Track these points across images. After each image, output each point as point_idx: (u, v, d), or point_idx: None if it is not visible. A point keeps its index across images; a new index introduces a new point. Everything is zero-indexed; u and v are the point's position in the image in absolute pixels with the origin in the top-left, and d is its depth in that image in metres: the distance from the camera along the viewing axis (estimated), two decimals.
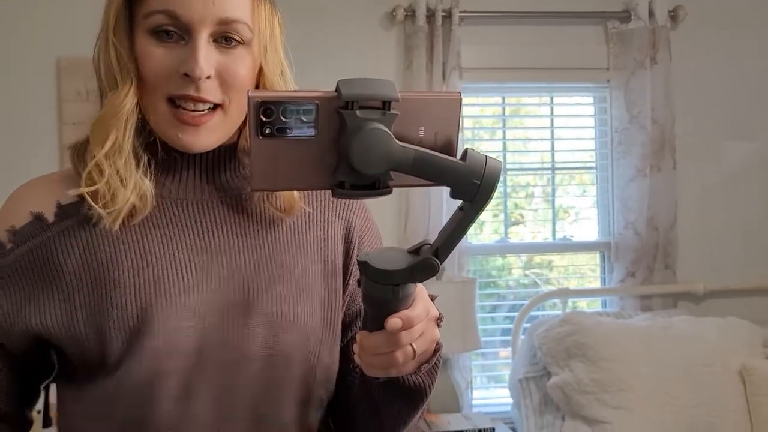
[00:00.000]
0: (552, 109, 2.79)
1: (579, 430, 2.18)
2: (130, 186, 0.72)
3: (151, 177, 0.75)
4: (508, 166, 2.76)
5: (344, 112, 0.55)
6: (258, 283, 0.75)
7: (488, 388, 2.73)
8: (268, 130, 0.56)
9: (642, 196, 2.63)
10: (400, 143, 0.56)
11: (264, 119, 0.55)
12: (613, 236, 2.70)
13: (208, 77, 0.71)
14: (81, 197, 0.73)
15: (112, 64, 0.73)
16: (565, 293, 2.65)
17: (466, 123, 2.66)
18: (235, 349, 0.73)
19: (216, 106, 0.73)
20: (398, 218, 2.54)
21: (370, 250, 0.65)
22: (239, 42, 0.73)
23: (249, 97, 0.55)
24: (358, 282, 0.64)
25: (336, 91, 0.56)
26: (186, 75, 0.71)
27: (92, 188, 0.71)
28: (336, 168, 0.57)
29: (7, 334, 0.74)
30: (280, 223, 0.79)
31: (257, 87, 0.77)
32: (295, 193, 0.78)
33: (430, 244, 0.62)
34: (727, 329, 2.35)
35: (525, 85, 2.73)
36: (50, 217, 0.74)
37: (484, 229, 2.76)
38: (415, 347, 0.65)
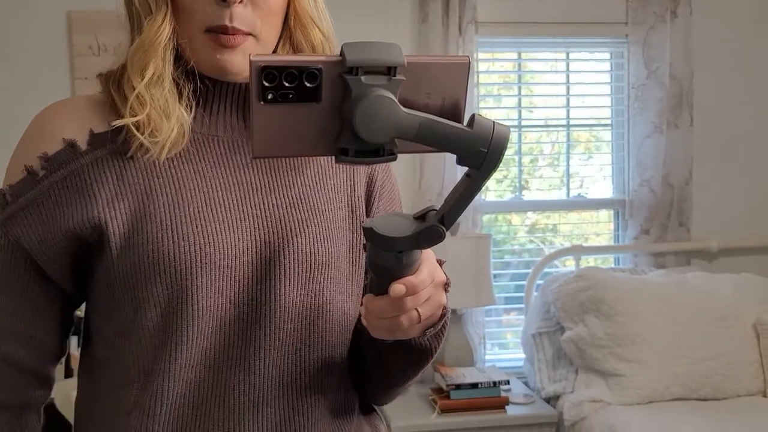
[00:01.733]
0: (568, 64, 2.76)
1: (592, 382, 2.20)
2: (173, 118, 0.71)
3: (191, 110, 0.74)
4: (523, 123, 2.74)
5: (348, 78, 0.54)
6: (291, 224, 0.74)
7: (494, 353, 2.75)
8: (270, 96, 0.54)
9: (658, 153, 2.62)
10: (406, 110, 0.55)
11: (266, 84, 0.54)
12: (627, 193, 2.69)
13: (241, 1, 0.70)
14: (115, 129, 0.72)
15: None
16: (578, 250, 2.66)
17: (481, 79, 2.63)
18: (270, 289, 0.72)
19: (248, 34, 0.72)
20: (413, 176, 2.53)
21: (376, 217, 0.65)
22: None
23: (251, 62, 0.54)
24: (364, 246, 0.65)
25: (340, 55, 0.54)
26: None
27: (136, 119, 0.70)
28: (339, 135, 0.56)
29: (42, 250, 0.72)
30: (308, 165, 0.79)
31: (287, 13, 0.75)
32: None
33: (436, 210, 0.60)
34: (741, 284, 2.36)
35: (541, 40, 2.69)
36: (83, 145, 0.72)
37: (498, 186, 2.76)
38: (420, 312, 0.65)
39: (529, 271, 2.63)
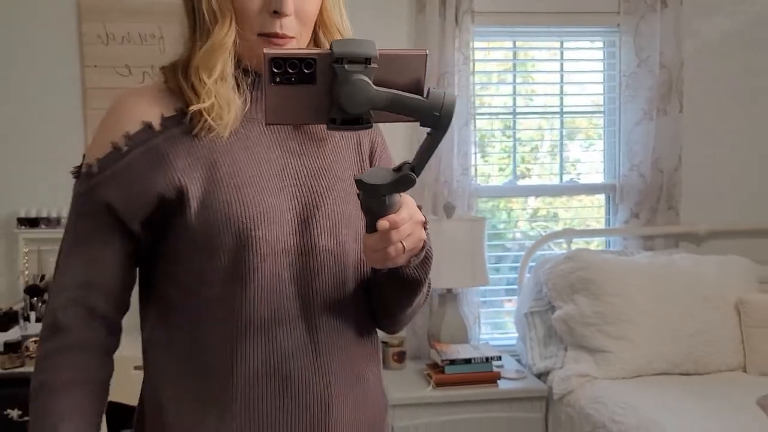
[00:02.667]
0: (562, 53, 2.84)
1: (581, 358, 2.30)
2: (233, 108, 0.89)
3: (245, 102, 0.91)
4: (518, 110, 2.83)
5: (336, 66, 0.70)
6: (320, 189, 0.93)
7: (494, 339, 2.85)
8: (278, 79, 0.71)
9: (648, 139, 2.70)
10: (378, 88, 0.71)
11: (275, 70, 0.70)
12: (618, 178, 2.78)
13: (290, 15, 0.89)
14: (180, 112, 0.89)
15: (212, 3, 0.88)
16: (570, 233, 2.75)
17: (477, 67, 2.71)
18: (310, 239, 0.90)
19: (293, 39, 0.91)
20: (411, 154, 2.62)
21: (364, 171, 0.80)
22: None
23: (264, 54, 0.70)
24: (358, 195, 0.80)
25: (330, 49, 0.71)
26: (275, 12, 0.87)
27: (205, 105, 0.87)
28: (329, 108, 0.72)
29: (129, 209, 0.87)
30: (325, 142, 0.98)
31: (318, 21, 0.94)
32: None
33: (409, 162, 0.77)
34: (725, 265, 2.46)
35: (536, 29, 2.77)
36: (157, 126, 0.88)
37: (494, 172, 2.85)
38: (404, 244, 0.81)
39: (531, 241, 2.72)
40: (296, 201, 0.91)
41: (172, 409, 0.89)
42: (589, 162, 2.89)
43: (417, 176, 0.76)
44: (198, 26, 0.89)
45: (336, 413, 0.90)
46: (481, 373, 2.29)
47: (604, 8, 2.73)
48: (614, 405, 2.01)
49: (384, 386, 1.01)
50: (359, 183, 0.77)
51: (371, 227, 0.80)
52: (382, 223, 0.77)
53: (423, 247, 0.87)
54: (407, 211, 0.80)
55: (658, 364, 2.24)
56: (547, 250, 2.78)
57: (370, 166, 1.01)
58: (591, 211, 2.92)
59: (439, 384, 2.27)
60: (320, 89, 0.71)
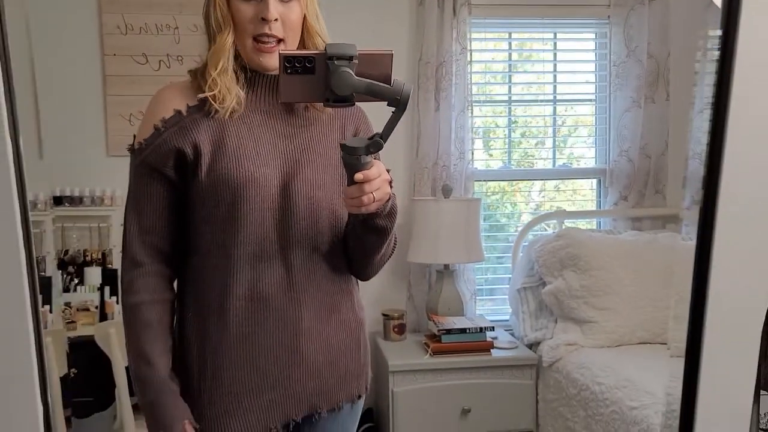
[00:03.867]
0: (555, 44, 2.98)
1: (569, 329, 2.47)
2: (233, 94, 1.18)
3: (244, 89, 1.20)
4: (513, 98, 2.98)
5: (329, 62, 0.99)
6: (302, 161, 1.21)
7: (486, 305, 3.01)
8: (289, 70, 1.00)
9: (636, 125, 2.85)
10: (359, 78, 1.00)
11: (287, 64, 1.00)
12: (608, 163, 2.93)
13: (276, 20, 1.16)
14: (202, 100, 1.18)
15: (218, 17, 1.18)
16: (561, 215, 2.90)
17: (474, 57, 2.86)
18: (290, 200, 1.19)
19: (279, 41, 1.18)
20: (411, 147, 2.78)
21: (349, 139, 1.14)
22: None
23: (279, 53, 1.01)
24: (342, 157, 1.07)
25: (325, 50, 1.00)
26: (263, 19, 1.16)
27: (212, 93, 1.18)
28: (324, 91, 1.01)
29: (166, 164, 1.19)
30: (314, 125, 1.24)
31: (302, 28, 1.22)
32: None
33: (379, 133, 1.05)
34: None
35: (531, 21, 2.91)
36: (184, 112, 1.19)
37: (487, 155, 3.00)
38: (374, 195, 1.07)
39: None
40: (281, 170, 1.19)
41: (188, 319, 1.21)
42: (578, 147, 3.04)
43: (384, 142, 1.05)
44: (210, 36, 1.20)
45: (306, 335, 1.18)
46: (475, 342, 2.45)
47: (595, 1, 2.87)
48: (597, 369, 2.17)
49: (359, 315, 1.28)
50: (342, 146, 1.06)
51: (350, 180, 1.07)
52: (358, 176, 1.06)
53: (389, 200, 1.13)
54: (377, 169, 1.08)
55: (639, 333, 2.40)
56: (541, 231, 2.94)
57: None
58: (583, 192, 3.07)
59: (436, 352, 2.43)
60: (318, 78, 1.00)
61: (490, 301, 3.01)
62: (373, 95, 1.01)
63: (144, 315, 1.17)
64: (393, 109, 1.01)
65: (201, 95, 1.18)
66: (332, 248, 1.22)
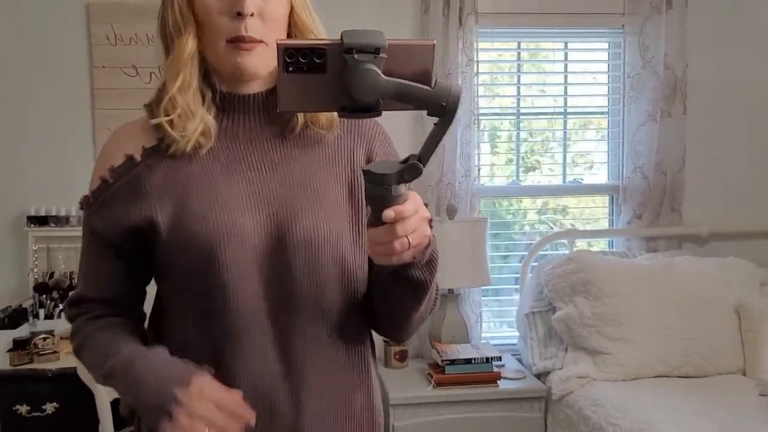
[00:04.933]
0: (566, 54, 2.84)
1: (580, 359, 2.33)
2: (198, 117, 0.91)
3: (213, 113, 0.93)
4: (522, 111, 2.84)
5: (347, 56, 0.72)
6: (296, 208, 0.93)
7: (501, 330, 2.88)
8: (291, 68, 0.73)
9: (651, 140, 2.70)
10: (386, 78, 0.73)
11: (288, 60, 0.73)
12: (621, 180, 2.79)
13: (252, 14, 0.89)
14: (160, 141, 0.92)
15: (176, 17, 0.91)
16: (572, 234, 2.76)
17: (481, 68, 2.73)
18: (284, 261, 0.91)
19: (260, 42, 0.91)
20: (415, 149, 2.64)
21: (371, 163, 0.80)
22: None
23: (277, 44, 0.72)
24: (365, 189, 0.80)
25: (341, 39, 0.72)
26: (238, 14, 0.89)
27: (168, 118, 0.90)
28: (340, 96, 0.74)
29: (114, 234, 0.94)
30: (314, 149, 0.97)
31: (290, 24, 0.95)
32: (331, 114, 0.98)
33: (415, 154, 0.78)
34: (726, 268, 2.46)
35: (541, 30, 2.77)
36: (138, 157, 0.94)
37: (498, 172, 2.86)
38: (410, 239, 0.80)
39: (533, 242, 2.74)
40: (271, 219, 0.92)
41: None
42: (590, 162, 2.90)
43: (423, 166, 0.76)
44: (166, 45, 0.94)
45: None
46: (481, 373, 2.31)
47: (608, 9, 2.73)
48: (612, 407, 2.03)
49: (376, 417, 1.01)
50: (366, 173, 0.79)
51: (375, 219, 0.80)
52: (388, 213, 0.77)
53: (428, 245, 0.85)
54: (413, 204, 0.79)
55: (656, 366, 2.26)
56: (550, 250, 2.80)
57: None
58: (594, 212, 2.93)
59: (440, 384, 2.30)
60: (331, 78, 0.73)
61: (496, 324, 2.87)
62: (409, 101, 0.74)
63: (102, 337, 0.95)
64: (435, 119, 0.75)
65: (154, 120, 0.91)
66: (344, 318, 0.95)
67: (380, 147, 1.02)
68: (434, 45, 0.75)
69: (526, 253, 2.75)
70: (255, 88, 0.95)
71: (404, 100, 0.74)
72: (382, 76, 0.72)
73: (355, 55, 0.72)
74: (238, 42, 0.90)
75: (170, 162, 0.93)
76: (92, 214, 0.96)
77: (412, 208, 0.79)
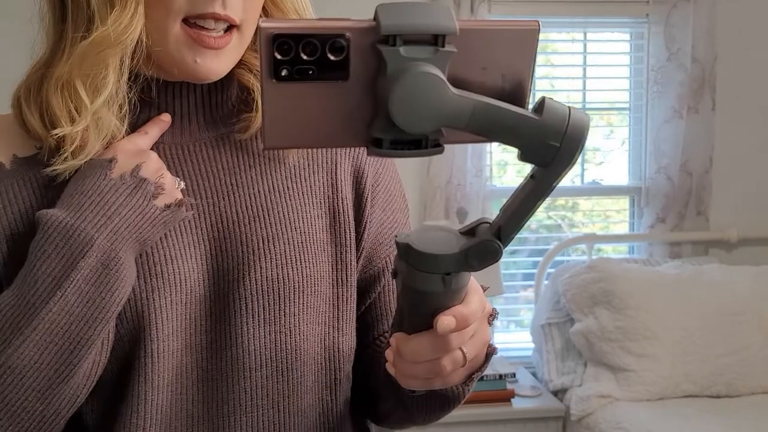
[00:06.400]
0: (585, 45, 2.66)
1: (601, 376, 2.16)
2: (103, 133, 0.60)
3: (126, 122, 0.62)
4: None
5: (384, 49, 0.42)
6: (253, 243, 0.63)
7: (509, 331, 2.71)
8: (285, 72, 0.43)
9: (677, 139, 2.52)
10: (456, 91, 0.43)
11: (279, 57, 0.42)
12: (644, 180, 2.61)
13: None
14: (40, 150, 0.62)
15: None
16: (591, 239, 2.59)
17: None
18: (230, 328, 0.62)
19: (231, 27, 0.61)
20: (421, 159, 2.47)
21: (411, 231, 0.51)
22: None
23: (260, 29, 0.42)
24: (394, 272, 0.52)
25: (374, 20, 0.43)
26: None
27: (75, 129, 0.58)
28: (372, 121, 0.45)
29: None
30: (281, 163, 0.68)
31: (264, 7, 0.64)
32: None
33: (489, 222, 0.50)
34: (759, 278, 2.29)
35: (558, 20, 2.59)
36: (7, 164, 0.62)
37: (508, 170, 2.69)
38: (465, 352, 0.54)
39: (548, 246, 2.58)
40: (212, 266, 0.63)
41: None
42: (609, 161, 2.72)
43: (505, 246, 0.49)
44: (71, 15, 0.59)
45: None
46: (494, 391, 2.15)
47: None
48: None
49: None
50: (405, 250, 0.49)
51: (414, 323, 0.52)
52: (447, 321, 0.50)
53: (488, 355, 0.60)
54: (479, 300, 0.53)
55: (685, 385, 2.09)
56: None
57: (358, 202, 0.70)
58: (613, 213, 2.75)
59: None
60: (356, 88, 0.44)
61: (509, 334, 2.70)
62: (496, 135, 0.45)
63: None
64: (532, 167, 0.48)
65: (55, 132, 0.58)
66: (327, 422, 0.67)
67: (371, 163, 0.72)
68: (539, 29, 0.46)
69: (534, 247, 2.59)
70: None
71: (485, 131, 0.45)
72: (451, 87, 0.43)
73: (401, 49, 0.42)
74: (200, 30, 0.59)
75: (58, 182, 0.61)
76: None
77: (478, 307, 0.52)
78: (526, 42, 0.46)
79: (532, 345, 2.52)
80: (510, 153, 2.70)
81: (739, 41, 2.55)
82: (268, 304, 0.63)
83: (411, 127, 0.43)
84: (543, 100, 0.46)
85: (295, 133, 0.45)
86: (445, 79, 0.43)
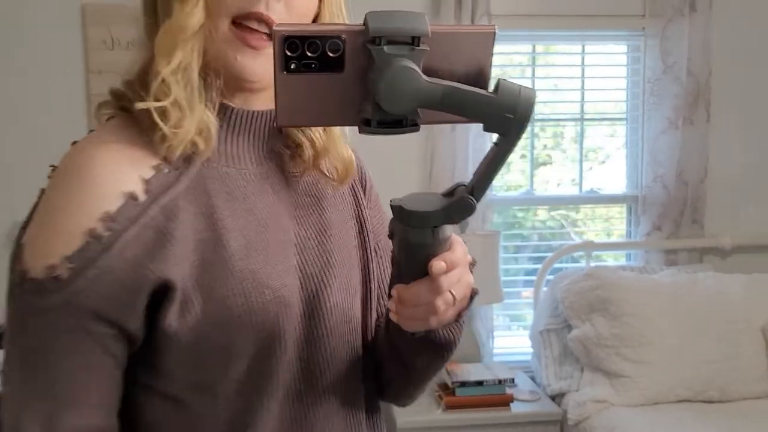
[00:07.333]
0: (583, 58, 2.72)
1: (597, 382, 2.22)
2: (197, 114, 0.66)
3: (214, 113, 0.69)
4: (536, 116, 2.72)
5: (372, 48, 0.53)
6: (325, 256, 0.75)
7: (510, 331, 2.77)
8: (293, 65, 0.54)
9: (672, 149, 2.58)
10: (429, 79, 0.54)
11: (289, 54, 0.54)
12: (640, 189, 2.67)
13: None
14: (160, 167, 0.67)
15: None
16: (589, 246, 2.65)
17: (494, 72, 2.61)
18: (315, 328, 0.73)
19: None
20: (423, 163, 2.53)
21: (402, 196, 0.62)
22: None
23: (274, 31, 0.53)
24: (390, 233, 0.63)
25: (364, 24, 0.54)
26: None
27: (161, 104, 0.64)
28: (362, 105, 0.56)
29: (119, 311, 0.64)
30: (322, 188, 0.78)
31: (316, 17, 0.72)
32: (348, 153, 0.78)
33: (464, 185, 0.60)
34: (752, 285, 2.35)
35: (556, 33, 2.65)
36: (141, 194, 0.65)
37: (509, 176, 2.75)
38: (454, 293, 0.63)
39: (549, 254, 2.64)
40: (302, 278, 0.72)
41: None
42: (607, 171, 2.78)
43: (478, 201, 0.59)
44: (153, 15, 0.68)
45: None
46: (493, 396, 2.21)
47: (628, 11, 2.60)
48: None
49: None
50: (398, 211, 0.60)
51: (411, 273, 0.62)
52: (438, 265, 0.60)
53: (471, 296, 0.69)
54: (462, 248, 0.64)
55: (679, 390, 2.15)
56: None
57: (364, 202, 0.84)
58: (613, 213, 2.81)
59: (450, 406, 2.20)
60: (350, 79, 0.55)
61: (509, 336, 2.76)
62: (461, 111, 0.56)
63: None
64: (494, 137, 0.58)
65: (139, 105, 0.64)
66: (355, 385, 0.78)
67: (365, 168, 0.85)
68: (495, 33, 0.57)
69: (536, 253, 2.64)
70: (260, 104, 0.72)
71: (453, 109, 0.55)
72: (423, 76, 0.54)
73: (385, 47, 0.53)
74: (245, 31, 0.66)
75: (185, 195, 0.66)
76: (78, 294, 0.62)
77: (462, 254, 0.64)
78: (485, 41, 0.57)
79: (531, 350, 2.58)
80: (509, 162, 2.76)
81: (733, 56, 2.61)
82: (342, 305, 0.75)
83: (394, 109, 0.55)
84: (498, 81, 0.56)
85: (301, 115, 0.57)
86: (419, 70, 0.54)
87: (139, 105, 0.65)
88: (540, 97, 2.71)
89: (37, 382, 0.64)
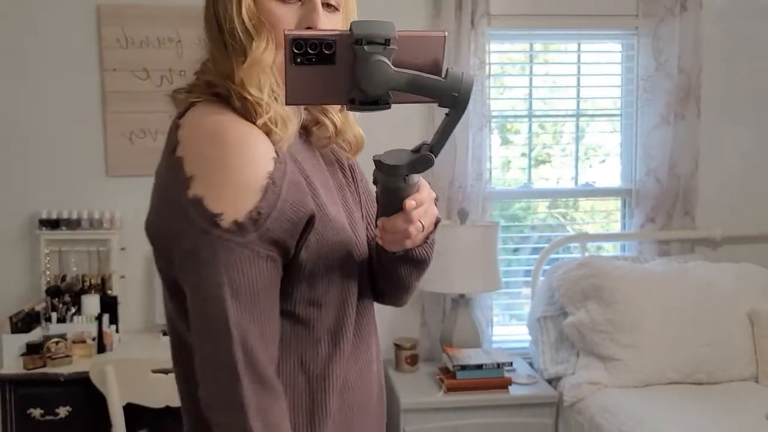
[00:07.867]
0: (579, 56, 2.81)
1: (592, 365, 2.32)
2: (292, 122, 0.87)
3: (295, 116, 0.91)
4: (534, 113, 2.82)
5: (356, 47, 0.72)
6: (352, 201, 1.01)
7: (510, 324, 2.87)
8: (299, 60, 0.73)
9: (665, 143, 2.68)
10: (397, 69, 0.73)
11: (296, 51, 0.73)
12: (634, 183, 2.77)
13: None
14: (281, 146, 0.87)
15: (248, 18, 0.84)
16: (584, 238, 2.75)
17: (493, 70, 2.71)
18: (362, 251, 0.97)
19: None
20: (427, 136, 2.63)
21: (382, 153, 0.82)
22: (335, 8, 0.91)
23: (285, 34, 0.73)
24: (374, 181, 0.83)
25: (350, 30, 0.73)
26: (308, 28, 0.86)
27: (270, 115, 0.84)
28: (349, 88, 0.74)
29: (291, 241, 0.85)
30: (353, 166, 1.04)
31: None
32: (360, 131, 0.99)
33: (427, 143, 0.79)
34: (740, 274, 2.45)
35: (553, 32, 2.75)
36: (280, 158, 0.85)
37: (509, 173, 2.85)
38: (423, 222, 0.85)
39: (546, 245, 2.74)
40: (347, 216, 0.97)
41: None
42: (602, 165, 2.88)
43: (435, 156, 0.79)
44: (229, 45, 0.86)
45: (384, 414, 1.03)
46: (492, 379, 2.31)
47: (622, 11, 2.70)
48: (623, 415, 2.03)
49: None
50: (378, 163, 0.79)
51: (389, 209, 0.83)
52: (410, 203, 0.81)
53: (436, 224, 0.91)
54: (427, 190, 0.84)
55: (669, 373, 2.25)
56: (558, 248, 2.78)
57: (356, 185, 1.06)
58: (606, 212, 2.91)
59: (451, 389, 2.30)
60: (340, 70, 0.73)
61: (507, 326, 2.86)
62: (420, 92, 0.74)
63: None
64: (446, 110, 0.76)
65: (261, 119, 0.83)
66: (370, 298, 1.03)
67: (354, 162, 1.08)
68: (445, 36, 0.76)
69: (535, 245, 2.74)
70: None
71: (415, 91, 0.74)
72: (392, 67, 0.73)
73: (365, 47, 0.72)
74: None
75: (295, 163, 0.89)
76: (271, 226, 0.82)
77: (427, 194, 0.84)
78: (438, 42, 0.76)
79: (529, 337, 2.69)
80: (510, 155, 2.86)
81: (723, 53, 2.71)
82: (365, 237, 0.99)
83: (371, 91, 0.73)
84: (447, 69, 0.75)
85: (304, 96, 0.76)
86: (390, 63, 0.73)
87: (259, 122, 0.83)
88: (537, 94, 2.82)
89: (248, 303, 0.81)
